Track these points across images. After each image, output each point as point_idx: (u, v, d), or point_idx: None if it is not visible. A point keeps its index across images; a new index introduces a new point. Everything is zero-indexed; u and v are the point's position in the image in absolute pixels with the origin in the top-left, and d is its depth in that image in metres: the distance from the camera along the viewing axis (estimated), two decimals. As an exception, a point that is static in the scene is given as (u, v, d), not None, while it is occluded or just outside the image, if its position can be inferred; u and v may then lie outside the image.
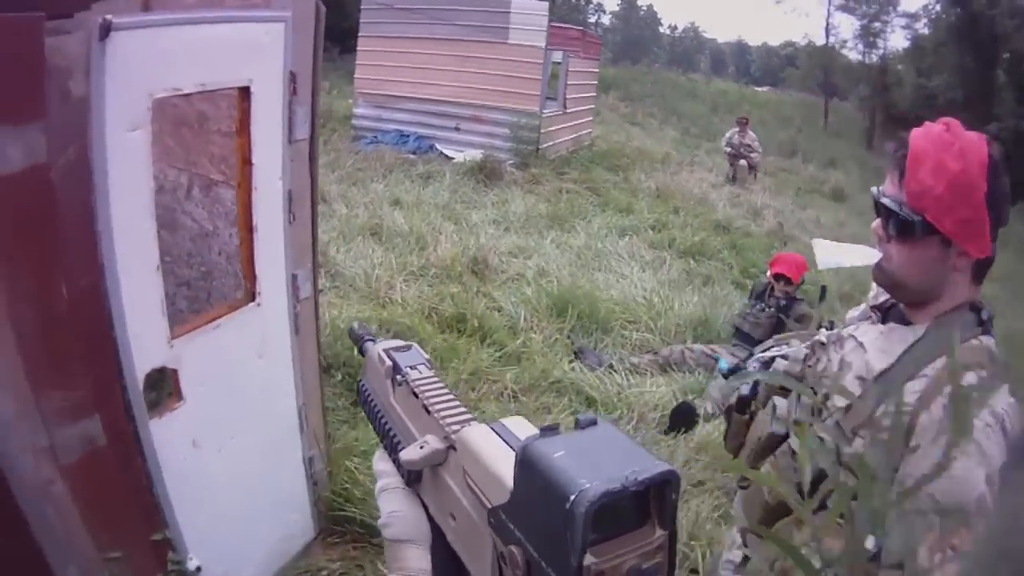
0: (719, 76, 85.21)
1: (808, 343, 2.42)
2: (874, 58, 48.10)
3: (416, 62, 16.46)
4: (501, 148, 15.60)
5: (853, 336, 2.20)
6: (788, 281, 7.45)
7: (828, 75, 49.53)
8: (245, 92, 3.40)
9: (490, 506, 0.84)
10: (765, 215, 14.75)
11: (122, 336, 2.94)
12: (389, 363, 1.14)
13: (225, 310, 3.66)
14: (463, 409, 1.01)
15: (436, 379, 1.09)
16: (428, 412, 1.02)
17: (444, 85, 16.34)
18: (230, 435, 3.67)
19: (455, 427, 0.96)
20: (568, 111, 18.30)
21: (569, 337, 7.65)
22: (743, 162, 18.12)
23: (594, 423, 0.79)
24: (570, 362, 7.17)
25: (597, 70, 22.16)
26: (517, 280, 8.93)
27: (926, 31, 45.23)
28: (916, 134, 1.93)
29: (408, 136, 16.71)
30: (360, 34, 17.42)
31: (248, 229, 3.61)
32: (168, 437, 3.24)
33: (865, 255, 2.17)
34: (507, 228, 11.14)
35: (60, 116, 2.59)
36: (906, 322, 2.06)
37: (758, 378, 2.49)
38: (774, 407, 2.27)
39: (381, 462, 1.13)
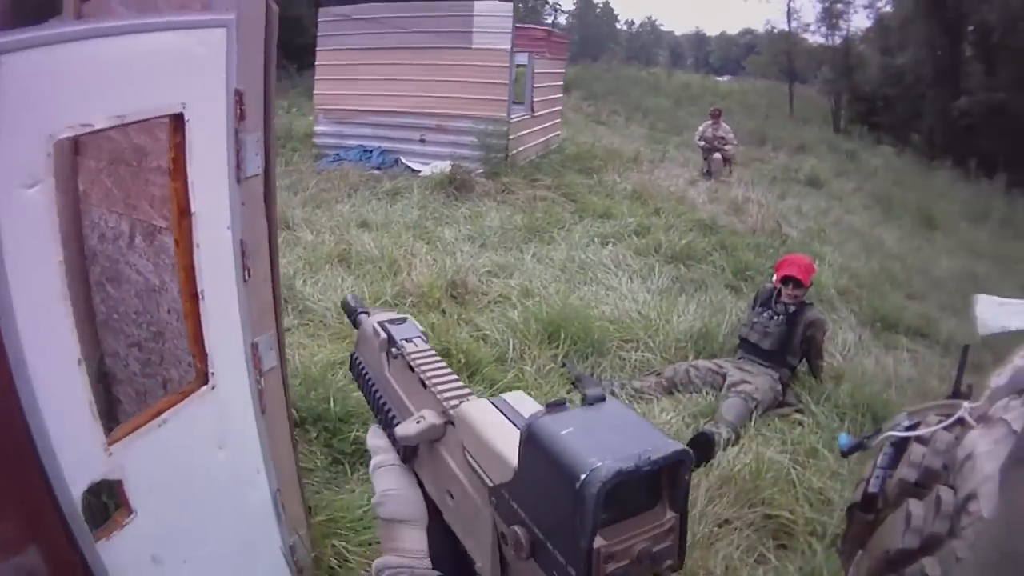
0: (679, 69, 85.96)
1: (948, 420, 2.01)
2: (837, 40, 48.50)
3: (377, 74, 16.04)
4: (469, 158, 15.05)
5: (1005, 420, 1.76)
6: (798, 284, 7.05)
7: (791, 60, 50.29)
8: (177, 121, 2.66)
9: (491, 484, 0.82)
10: (747, 209, 14.27)
11: (46, 451, 2.29)
12: (384, 336, 1.13)
13: (172, 400, 2.95)
14: (461, 383, 0.99)
15: (433, 352, 1.08)
16: (425, 386, 1.00)
17: (406, 96, 15.86)
18: (196, 543, 3.08)
19: (453, 401, 0.95)
20: (536, 114, 17.91)
21: (563, 364, 7.06)
22: (717, 155, 17.83)
23: (602, 399, 0.77)
24: (568, 392, 6.60)
25: (563, 71, 21.86)
26: (500, 303, 8.34)
27: (889, 9, 45.83)
28: None
29: (371, 151, 16.26)
30: (318, 48, 17.00)
31: (192, 297, 2.90)
32: (122, 558, 2.64)
33: None
34: (483, 244, 10.64)
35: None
36: None
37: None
38: (908, 515, 1.83)
39: (375, 438, 1.10)
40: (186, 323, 3.02)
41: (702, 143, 18.12)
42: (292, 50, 32.25)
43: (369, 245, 9.65)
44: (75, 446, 2.42)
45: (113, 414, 4.20)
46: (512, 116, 15.98)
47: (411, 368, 1.04)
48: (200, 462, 3.08)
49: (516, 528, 0.76)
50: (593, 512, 0.66)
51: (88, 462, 2.50)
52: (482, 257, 9.82)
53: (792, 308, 7.06)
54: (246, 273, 3.09)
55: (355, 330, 1.24)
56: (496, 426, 0.85)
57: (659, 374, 7.02)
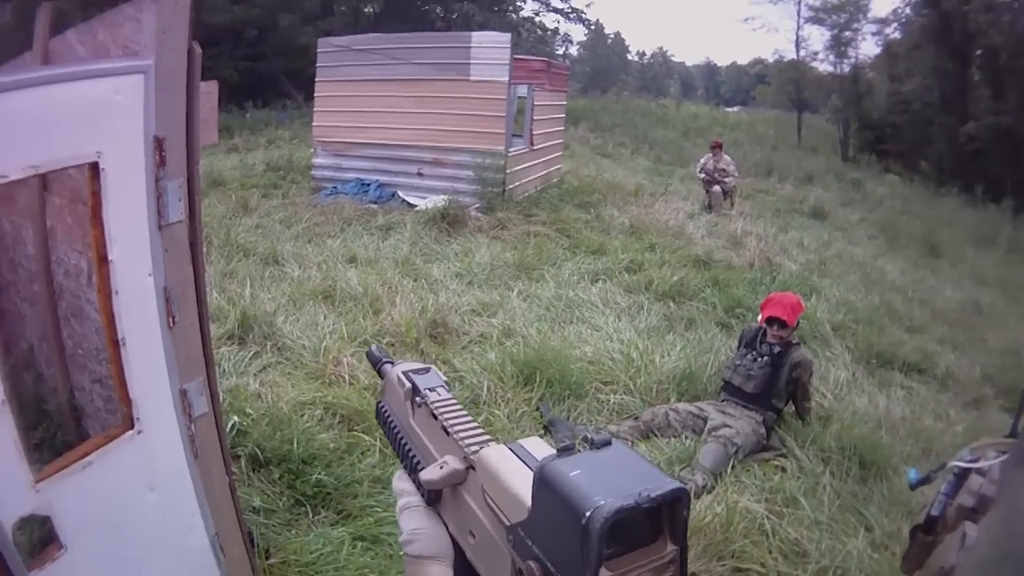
0: (689, 100, 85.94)
1: (1006, 455, 2.12)
2: (845, 68, 48.47)
3: (375, 106, 16.01)
4: (466, 192, 15.02)
5: None
6: (783, 325, 6.84)
7: (800, 89, 50.31)
8: (94, 169, 2.70)
9: (508, 523, 0.88)
10: (746, 243, 14.09)
11: None
12: (409, 385, 1.18)
13: (97, 443, 2.98)
14: (481, 430, 1.05)
15: (454, 401, 1.13)
16: (447, 433, 1.06)
17: (404, 128, 15.80)
18: (128, 579, 3.03)
19: (474, 447, 1.01)
20: (535, 148, 17.81)
21: (538, 408, 6.84)
22: (717, 188, 17.64)
23: (608, 443, 0.85)
24: (540, 438, 6.23)
25: (565, 102, 21.67)
26: (480, 342, 8.18)
27: (897, 35, 45.58)
28: None
29: (369, 185, 16.22)
30: (317, 79, 16.97)
31: (114, 344, 2.92)
32: (56, 589, 2.70)
33: None
34: (470, 282, 10.47)
35: None
36: None
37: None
38: (963, 536, 2.07)
39: (401, 481, 1.16)
40: (110, 369, 3.05)
41: (703, 175, 17.98)
42: (301, 80, 32.54)
43: (354, 281, 9.57)
44: (2, 483, 2.50)
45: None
46: (511, 149, 15.92)
47: (434, 416, 1.10)
48: (130, 504, 3.11)
49: (531, 563, 0.83)
50: (597, 546, 0.73)
51: (16, 498, 2.56)
52: (467, 295, 9.69)
53: (777, 349, 6.88)
54: (171, 320, 3.11)
55: (380, 380, 1.29)
56: (513, 469, 0.92)
57: (637, 418, 6.83)
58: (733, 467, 6.13)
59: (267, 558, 4.40)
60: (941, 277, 15.27)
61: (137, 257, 2.94)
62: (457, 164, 15.40)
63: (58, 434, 4.74)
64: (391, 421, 1.24)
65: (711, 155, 17.96)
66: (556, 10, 56.51)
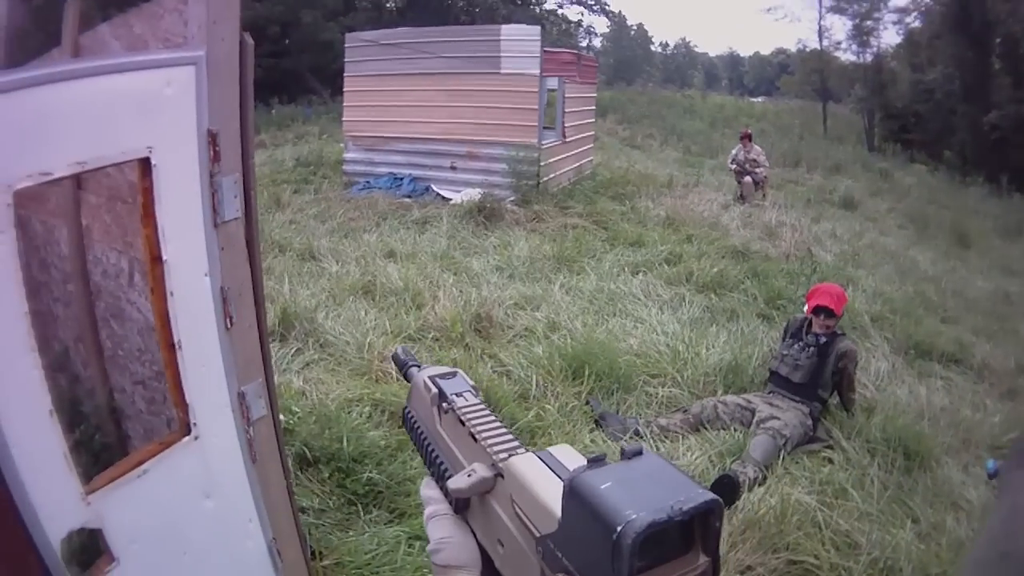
0: (713, 90, 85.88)
1: None
2: (868, 57, 48.28)
3: (405, 100, 15.96)
4: (500, 185, 14.96)
5: None
6: (829, 314, 6.83)
7: (824, 79, 50.20)
8: (145, 165, 2.54)
9: (538, 535, 0.86)
10: (781, 234, 14.04)
11: (22, 502, 2.26)
12: (435, 390, 1.15)
13: (153, 450, 2.84)
14: (510, 436, 1.02)
15: (482, 406, 1.10)
16: (475, 440, 1.03)
17: (436, 122, 15.77)
18: (182, 590, 2.91)
19: (502, 455, 0.97)
20: (568, 140, 17.71)
21: (587, 402, 6.78)
22: (748, 179, 17.58)
23: (639, 453, 0.82)
24: (590, 431, 6.38)
25: (595, 94, 21.58)
26: (526, 336, 8.12)
27: (917, 24, 45.46)
28: None
29: (402, 179, 16.21)
30: (345, 74, 17.02)
31: (169, 347, 2.77)
32: (106, 604, 2.55)
33: None
34: (511, 275, 10.43)
35: None
36: None
37: None
38: None
39: (428, 488, 1.13)
40: (165, 373, 2.91)
41: (734, 166, 17.96)
42: (325, 75, 32.51)
43: (394, 276, 9.51)
44: (51, 496, 2.38)
45: (125, 450, 4.13)
46: (543, 142, 15.86)
47: (462, 422, 1.07)
48: (186, 512, 3.00)
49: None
50: (629, 560, 0.71)
51: (66, 511, 2.44)
52: (509, 289, 9.65)
53: (823, 339, 6.84)
54: (228, 321, 2.98)
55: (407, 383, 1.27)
56: (542, 479, 0.89)
57: (686, 411, 6.76)
58: (782, 459, 6.06)
59: (320, 559, 4.35)
60: (971, 267, 15.23)
61: (192, 256, 2.80)
62: (490, 157, 15.34)
63: (96, 436, 4.66)
64: (418, 427, 1.21)
65: (741, 146, 17.89)
66: (579, 2, 56.85)
